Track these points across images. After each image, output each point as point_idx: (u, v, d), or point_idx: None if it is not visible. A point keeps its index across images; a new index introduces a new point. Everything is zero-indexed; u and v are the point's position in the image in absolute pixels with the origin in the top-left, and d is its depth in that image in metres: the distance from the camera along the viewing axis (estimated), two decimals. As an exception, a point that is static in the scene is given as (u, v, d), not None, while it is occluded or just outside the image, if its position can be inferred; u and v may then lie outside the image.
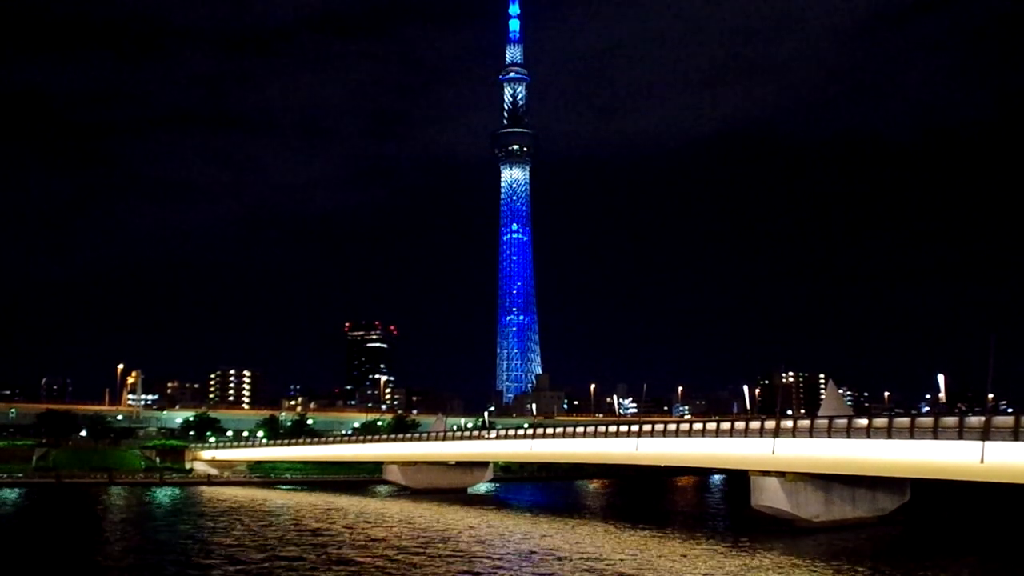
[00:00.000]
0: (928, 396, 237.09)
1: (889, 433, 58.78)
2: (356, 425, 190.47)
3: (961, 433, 53.77)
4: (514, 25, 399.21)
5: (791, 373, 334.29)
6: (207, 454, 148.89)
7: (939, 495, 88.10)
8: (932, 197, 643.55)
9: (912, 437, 57.04)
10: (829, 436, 63.13)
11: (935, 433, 55.56)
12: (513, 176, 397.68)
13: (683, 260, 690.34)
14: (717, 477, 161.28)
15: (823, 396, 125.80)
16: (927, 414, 66.58)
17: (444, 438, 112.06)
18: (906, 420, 59.18)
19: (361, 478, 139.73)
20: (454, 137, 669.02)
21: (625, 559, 53.92)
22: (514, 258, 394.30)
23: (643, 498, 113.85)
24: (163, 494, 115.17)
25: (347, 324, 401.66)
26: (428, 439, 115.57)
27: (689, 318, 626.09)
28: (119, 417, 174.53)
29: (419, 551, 57.64)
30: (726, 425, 74.59)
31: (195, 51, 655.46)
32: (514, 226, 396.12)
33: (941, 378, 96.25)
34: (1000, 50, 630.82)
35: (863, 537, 63.63)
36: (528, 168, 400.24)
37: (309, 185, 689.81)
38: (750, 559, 53.87)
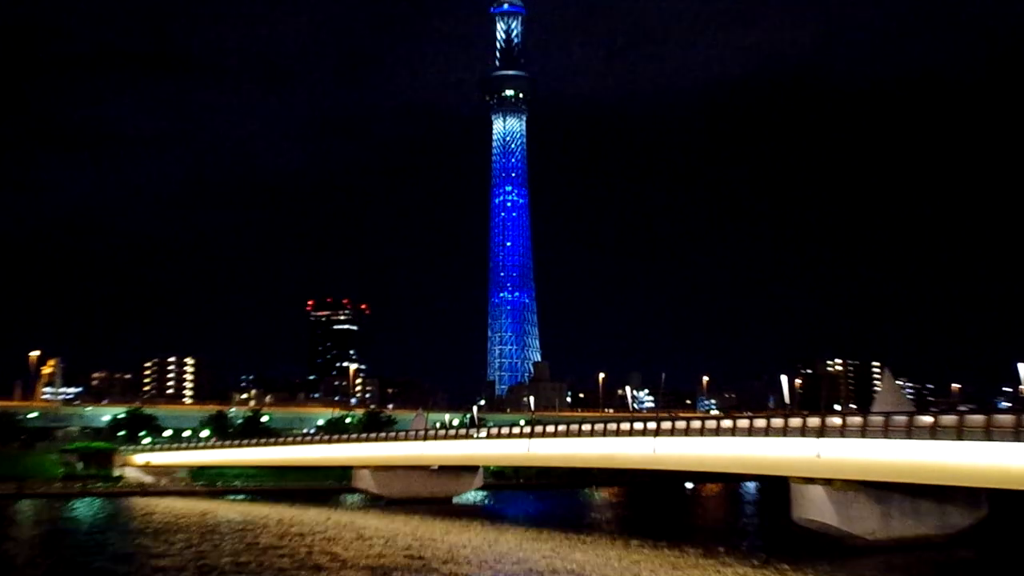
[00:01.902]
0: (1007, 389, 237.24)
1: (959, 433, 58.33)
2: (320, 423, 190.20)
3: (1050, 433, 53.26)
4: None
5: (838, 361, 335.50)
6: (140, 458, 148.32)
7: None
8: (1010, 148, 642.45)
9: (988, 438, 56.56)
10: (885, 436, 63.03)
11: (1017, 434, 55.00)
12: (507, 127, 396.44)
13: (708, 227, 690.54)
14: (751, 485, 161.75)
15: (877, 388, 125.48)
16: (1006, 411, 65.89)
17: (425, 438, 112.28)
18: (980, 418, 58.74)
19: (326, 486, 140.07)
20: (437, 81, 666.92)
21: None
22: (508, 224, 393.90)
23: (662, 510, 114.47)
24: (86, 507, 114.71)
25: (310, 302, 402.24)
26: (406, 439, 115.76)
27: (716, 296, 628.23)
28: (32, 414, 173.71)
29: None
30: (761, 423, 74.52)
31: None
32: (508, 187, 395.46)
33: (1022, 367, 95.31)
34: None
35: (929, 559, 63.50)
36: (524, 118, 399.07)
37: (265, 139, 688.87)
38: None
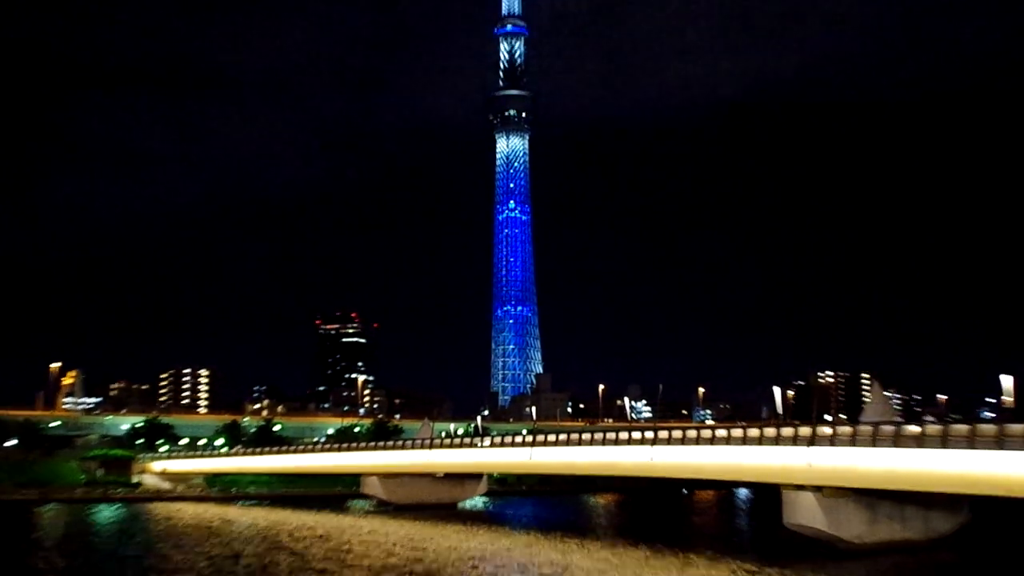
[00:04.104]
0: (991, 399, 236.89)
1: (944, 442, 58.40)
2: (330, 432, 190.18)
3: (1030, 442, 53.45)
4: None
5: (829, 373, 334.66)
6: (158, 465, 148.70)
7: (1004, 515, 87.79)
8: (994, 167, 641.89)
9: (972, 447, 56.63)
10: (874, 445, 63.08)
11: (999, 443, 55.11)
12: (510, 146, 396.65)
13: (705, 243, 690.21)
14: (744, 492, 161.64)
15: (866, 399, 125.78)
16: (990, 420, 66.18)
17: (431, 446, 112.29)
18: (964, 427, 58.68)
19: (336, 492, 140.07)
20: (441, 101, 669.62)
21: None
22: (511, 240, 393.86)
23: (659, 516, 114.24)
24: (106, 512, 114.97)
25: (319, 316, 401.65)
26: (412, 447, 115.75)
27: (712, 310, 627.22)
28: (54, 424, 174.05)
29: (400, 578, 57.46)
30: (754, 432, 74.49)
31: (146, 3, 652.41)
32: (511, 203, 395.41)
33: (1006, 379, 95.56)
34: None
35: (913, 562, 63.58)
36: (527, 136, 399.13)
37: (275, 155, 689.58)
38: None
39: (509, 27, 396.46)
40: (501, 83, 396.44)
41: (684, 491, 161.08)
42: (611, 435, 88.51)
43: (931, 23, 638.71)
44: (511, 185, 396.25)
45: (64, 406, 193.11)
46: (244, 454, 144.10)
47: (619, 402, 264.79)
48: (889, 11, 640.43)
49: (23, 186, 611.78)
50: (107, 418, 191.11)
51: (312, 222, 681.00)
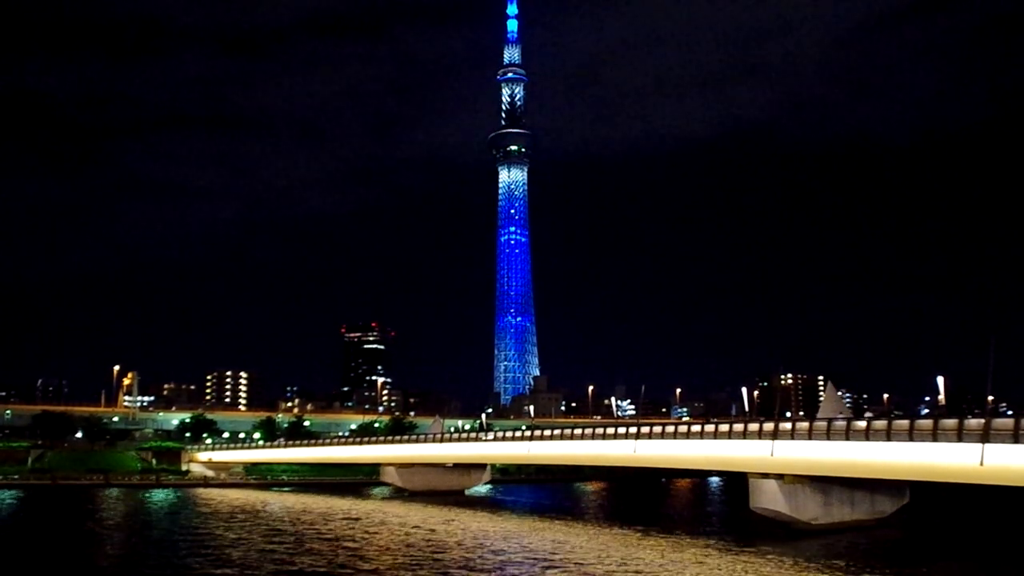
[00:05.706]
0: (927, 398, 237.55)
1: (888, 435, 58.82)
2: (353, 427, 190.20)
3: (960, 435, 53.89)
4: (512, 26, 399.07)
5: (789, 375, 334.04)
6: (204, 456, 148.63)
7: (938, 497, 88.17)
8: (930, 198, 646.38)
9: (911, 439, 57.12)
10: (828, 438, 63.28)
11: (934, 435, 55.65)
12: (511, 177, 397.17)
13: (681, 262, 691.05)
14: (715, 479, 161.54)
15: (822, 398, 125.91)
16: (926, 416, 66.63)
17: (441, 440, 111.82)
18: (905, 422, 59.20)
19: (358, 480, 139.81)
20: (451, 138, 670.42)
21: (623, 562, 53.97)
22: (512, 259, 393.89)
23: (641, 501, 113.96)
24: (159, 496, 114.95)
25: (344, 325, 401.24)
26: (425, 441, 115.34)
27: (687, 320, 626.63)
28: (115, 419, 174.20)
29: (416, 555, 57.64)
30: (724, 427, 74.63)
31: (192, 52, 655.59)
32: (512, 227, 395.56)
33: (940, 380, 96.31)
34: (997, 51, 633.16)
35: (862, 539, 63.80)
36: (526, 169, 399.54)
37: (306, 186, 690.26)
38: (748, 562, 53.89)
39: (510, 74, 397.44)
40: (503, 122, 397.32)
41: (663, 479, 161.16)
42: (599, 430, 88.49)
43: (880, 72, 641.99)
44: (512, 211, 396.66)
45: (123, 403, 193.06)
46: (278, 446, 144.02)
47: (606, 401, 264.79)
48: (846, 61, 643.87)
49: (95, 215, 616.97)
50: (159, 414, 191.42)
51: (338, 243, 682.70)
